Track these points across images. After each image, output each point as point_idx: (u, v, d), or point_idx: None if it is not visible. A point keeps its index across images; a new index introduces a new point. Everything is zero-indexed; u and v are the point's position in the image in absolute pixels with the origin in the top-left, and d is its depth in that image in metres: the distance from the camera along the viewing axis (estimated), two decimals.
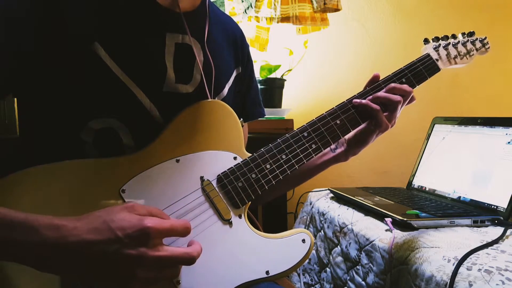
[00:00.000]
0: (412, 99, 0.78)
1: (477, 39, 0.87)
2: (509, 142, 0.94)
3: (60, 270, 0.47)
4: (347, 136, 0.79)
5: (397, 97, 0.73)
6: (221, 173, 0.65)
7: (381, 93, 0.74)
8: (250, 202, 0.66)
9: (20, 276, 0.51)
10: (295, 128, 0.71)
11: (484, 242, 0.70)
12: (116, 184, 0.59)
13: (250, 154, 0.68)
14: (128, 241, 0.45)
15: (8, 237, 0.44)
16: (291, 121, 1.41)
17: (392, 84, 0.75)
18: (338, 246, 0.98)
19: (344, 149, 0.81)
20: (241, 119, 0.72)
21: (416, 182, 1.18)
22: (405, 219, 0.82)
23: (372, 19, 1.71)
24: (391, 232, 0.81)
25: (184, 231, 0.51)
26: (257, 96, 0.88)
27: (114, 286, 0.48)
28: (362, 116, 0.74)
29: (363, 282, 0.85)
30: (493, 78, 1.79)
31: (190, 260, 0.49)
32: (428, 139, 1.20)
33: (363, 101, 0.74)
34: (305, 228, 1.19)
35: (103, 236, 0.45)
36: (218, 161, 0.66)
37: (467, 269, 0.61)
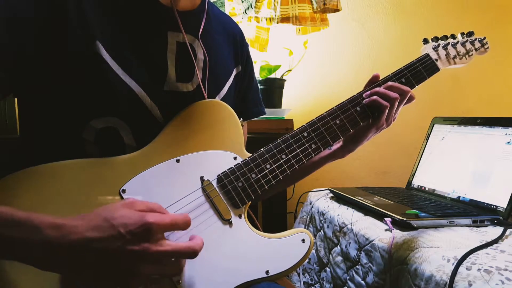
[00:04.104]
0: (411, 98, 0.78)
1: (476, 39, 0.87)
2: (508, 142, 0.94)
3: (61, 269, 0.47)
4: None
5: (394, 94, 0.74)
6: (221, 173, 0.65)
7: (380, 89, 0.75)
8: (250, 202, 0.66)
9: (20, 275, 0.51)
10: (295, 128, 0.71)
11: (484, 242, 0.70)
12: (117, 184, 0.59)
13: (250, 154, 0.68)
14: (130, 237, 0.45)
15: (10, 235, 0.44)
16: (291, 121, 1.41)
17: (390, 82, 0.75)
18: (338, 246, 0.98)
19: (340, 146, 0.82)
20: (241, 119, 0.73)
21: (416, 182, 1.18)
22: (404, 219, 0.82)
23: (372, 19, 1.72)
24: (391, 232, 0.81)
25: (184, 225, 0.51)
26: (257, 94, 0.88)
27: (115, 284, 0.48)
28: (362, 116, 0.75)
29: (362, 282, 0.85)
30: (493, 78, 1.79)
31: (192, 253, 0.49)
32: (427, 139, 1.20)
33: (373, 97, 0.74)
34: (305, 227, 1.19)
35: (105, 233, 0.45)
36: (218, 161, 0.66)
37: (466, 268, 0.62)
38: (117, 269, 0.46)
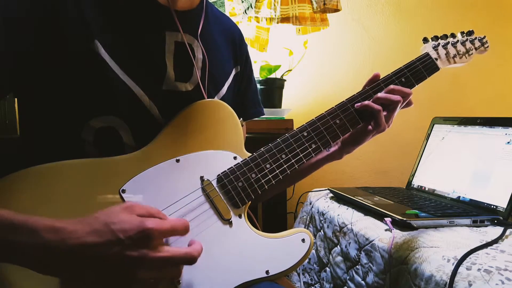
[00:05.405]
0: (409, 103, 0.78)
1: (476, 38, 0.87)
2: (508, 142, 0.94)
3: (61, 273, 0.47)
4: None
5: (396, 97, 0.74)
6: (221, 173, 0.65)
7: (382, 94, 0.75)
8: (250, 202, 0.66)
9: (21, 277, 0.50)
10: (295, 128, 0.71)
11: (484, 242, 0.70)
12: (116, 184, 0.59)
13: (250, 154, 0.68)
14: (129, 242, 0.45)
15: (8, 239, 0.44)
16: (291, 121, 1.41)
17: (391, 86, 0.75)
18: (338, 246, 0.98)
19: (338, 148, 0.81)
20: (241, 118, 0.73)
21: (416, 182, 1.18)
22: (404, 218, 0.82)
23: (372, 19, 1.72)
24: (391, 232, 0.81)
25: (184, 230, 0.51)
26: (256, 95, 0.88)
27: None
28: (361, 116, 0.75)
29: (362, 282, 0.85)
30: (493, 78, 1.79)
31: (191, 259, 0.49)
32: (427, 139, 1.20)
33: (365, 102, 0.74)
34: (305, 227, 1.19)
35: (104, 238, 0.45)
36: (218, 160, 0.66)
37: (466, 268, 0.62)
38: (116, 274, 0.46)
